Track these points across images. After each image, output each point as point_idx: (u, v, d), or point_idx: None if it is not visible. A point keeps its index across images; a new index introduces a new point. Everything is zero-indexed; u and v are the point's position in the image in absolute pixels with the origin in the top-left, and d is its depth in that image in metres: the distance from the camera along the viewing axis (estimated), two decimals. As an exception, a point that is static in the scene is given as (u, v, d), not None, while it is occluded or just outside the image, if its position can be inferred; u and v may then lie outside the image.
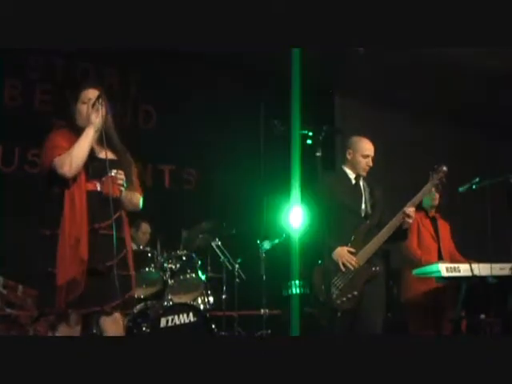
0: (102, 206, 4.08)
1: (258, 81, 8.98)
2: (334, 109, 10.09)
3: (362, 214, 5.06)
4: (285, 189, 5.24)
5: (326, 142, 5.04)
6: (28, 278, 7.03)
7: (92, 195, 4.09)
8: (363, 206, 5.09)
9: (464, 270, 5.82)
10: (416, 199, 5.06)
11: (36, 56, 7.79)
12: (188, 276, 6.45)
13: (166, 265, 6.38)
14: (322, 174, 5.01)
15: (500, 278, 5.84)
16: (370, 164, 5.19)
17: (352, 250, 4.89)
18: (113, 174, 4.10)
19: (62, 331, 4.05)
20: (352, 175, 5.18)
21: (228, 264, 6.97)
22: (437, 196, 6.76)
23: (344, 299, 4.81)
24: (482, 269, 5.83)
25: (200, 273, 6.53)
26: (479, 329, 6.18)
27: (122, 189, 4.17)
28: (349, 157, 5.21)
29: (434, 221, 6.82)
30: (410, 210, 4.97)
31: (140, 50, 6.18)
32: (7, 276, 7.00)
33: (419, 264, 6.32)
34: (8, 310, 7.00)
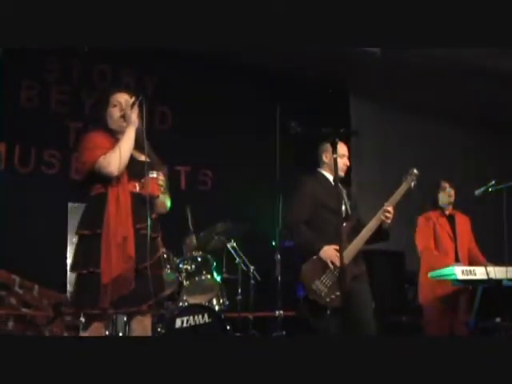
0: (141, 206, 4.15)
1: (274, 81, 8.99)
2: (350, 111, 10.09)
3: (344, 215, 5.12)
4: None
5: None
6: (44, 278, 7.10)
7: (134, 196, 4.18)
8: (344, 207, 5.16)
9: (480, 273, 5.80)
10: (393, 199, 5.12)
11: (52, 57, 7.82)
12: (203, 277, 6.44)
13: (181, 266, 6.39)
14: (303, 177, 5.15)
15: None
16: (347, 163, 5.33)
17: (338, 248, 4.91)
18: (154, 175, 4.22)
19: (93, 331, 4.09)
20: (330, 177, 5.25)
21: (243, 265, 6.97)
22: (452, 192, 6.69)
23: (333, 297, 4.90)
24: (497, 272, 5.81)
25: (215, 274, 6.54)
26: (494, 332, 6.16)
27: (162, 189, 4.26)
28: (326, 160, 5.32)
29: (451, 219, 6.73)
30: (389, 208, 5.05)
31: (155, 49, 6.22)
32: (24, 276, 7.05)
33: (436, 265, 6.29)
34: (24, 310, 7.04)
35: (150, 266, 4.09)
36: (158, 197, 4.25)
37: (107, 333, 5.36)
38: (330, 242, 4.97)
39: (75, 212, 7.51)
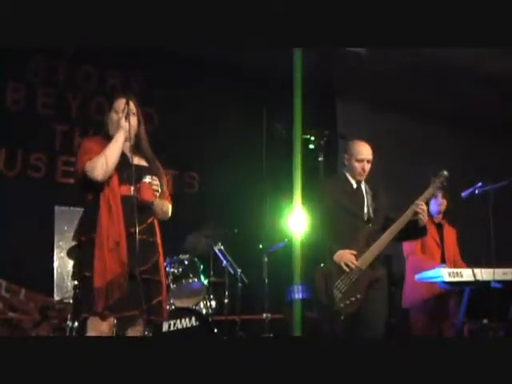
0: (135, 210, 4.11)
1: (261, 84, 8.98)
2: (336, 113, 10.08)
3: (365, 218, 5.06)
4: (287, 192, 5.27)
5: (328, 146, 5.07)
6: (31, 282, 7.08)
7: (126, 200, 4.14)
8: (365, 210, 5.07)
9: (466, 275, 5.82)
10: (423, 198, 5.07)
11: (38, 59, 7.78)
12: (190, 280, 6.45)
13: (168, 269, 6.38)
14: (324, 179, 5.06)
15: (503, 283, 5.84)
16: (366, 168, 5.16)
17: (354, 252, 4.89)
18: (148, 179, 4.20)
19: (93, 328, 4.07)
20: (353, 180, 5.18)
21: (230, 268, 6.96)
22: (444, 202, 6.73)
23: (347, 302, 4.82)
24: (484, 274, 5.82)
25: (202, 277, 6.54)
26: (482, 333, 6.17)
27: (157, 194, 4.24)
28: (346, 162, 5.22)
29: (439, 227, 6.77)
30: (422, 203, 5.00)
31: (142, 50, 6.20)
32: (10, 280, 7.02)
33: (423, 268, 6.30)
34: (10, 314, 7.02)
35: (145, 271, 4.10)
36: (152, 202, 4.23)
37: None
38: (347, 246, 4.92)
39: (62, 215, 7.53)
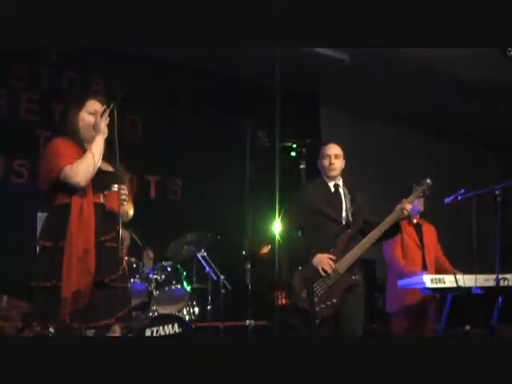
0: (105, 218, 4.09)
1: (245, 93, 8.99)
2: (320, 121, 10.10)
3: (343, 222, 5.09)
4: (269, 199, 5.26)
5: (311, 154, 5.08)
6: (13, 289, 7.04)
7: (98, 207, 4.08)
8: (344, 214, 5.12)
9: (449, 281, 5.83)
10: (407, 203, 5.11)
11: (21, 64, 7.76)
12: (173, 287, 6.44)
13: (151, 276, 6.37)
14: (302, 185, 5.09)
15: (485, 289, 5.85)
16: (333, 162, 5.23)
17: (332, 257, 4.92)
18: (115, 188, 4.10)
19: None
20: (331, 183, 5.23)
21: (213, 275, 6.95)
22: (421, 202, 6.74)
23: (323, 306, 4.85)
24: (466, 280, 5.84)
25: (185, 284, 6.53)
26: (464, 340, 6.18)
27: (125, 203, 4.17)
28: (319, 166, 5.29)
29: (418, 227, 6.79)
30: (408, 206, 5.08)
31: (127, 57, 6.18)
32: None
33: (404, 274, 6.32)
34: (-8, 322, 6.97)
35: (115, 279, 4.03)
36: (119, 211, 4.08)
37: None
38: (325, 250, 4.95)
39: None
